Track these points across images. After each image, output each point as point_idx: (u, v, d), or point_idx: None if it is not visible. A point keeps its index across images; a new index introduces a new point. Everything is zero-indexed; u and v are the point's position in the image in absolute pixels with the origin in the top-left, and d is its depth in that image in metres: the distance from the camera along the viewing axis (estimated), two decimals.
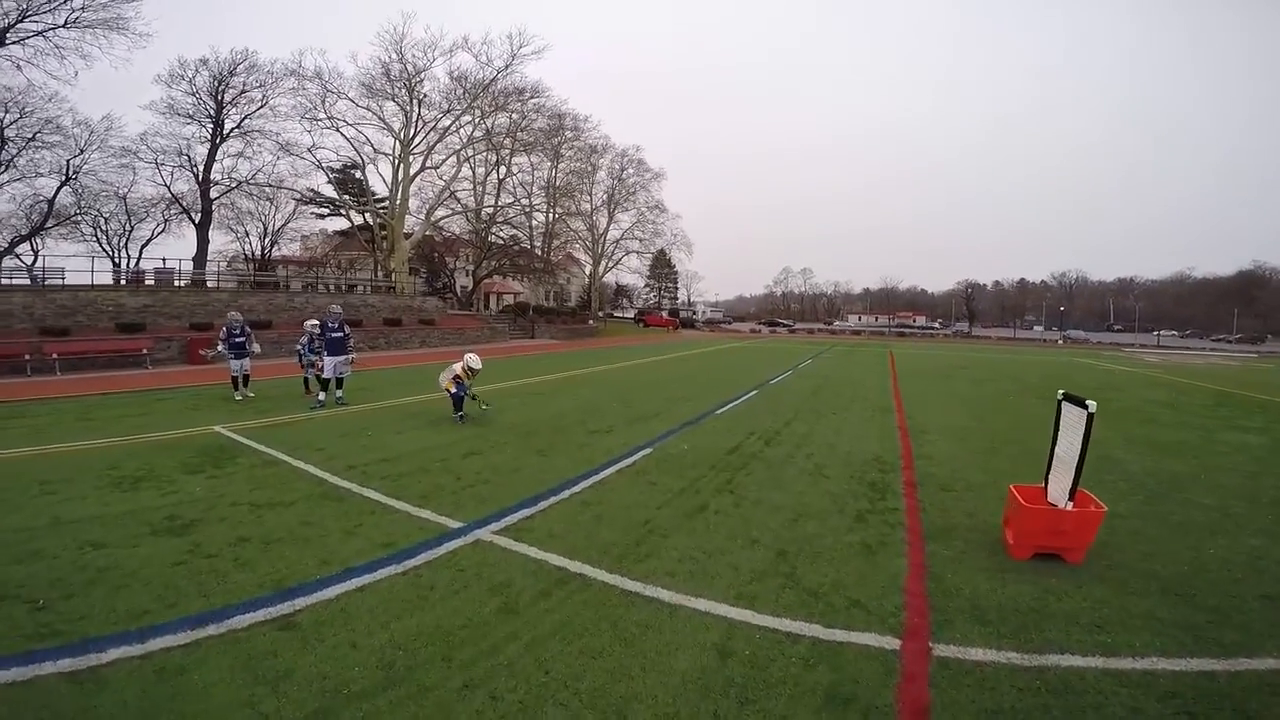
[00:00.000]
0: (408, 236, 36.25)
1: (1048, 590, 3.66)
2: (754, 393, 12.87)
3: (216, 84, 30.30)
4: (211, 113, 30.55)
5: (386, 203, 36.40)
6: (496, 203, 41.55)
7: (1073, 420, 4.21)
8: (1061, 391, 4.53)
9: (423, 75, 33.98)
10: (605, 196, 52.53)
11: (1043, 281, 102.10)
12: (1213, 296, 77.54)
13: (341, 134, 33.87)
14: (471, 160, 39.44)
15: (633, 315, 67.05)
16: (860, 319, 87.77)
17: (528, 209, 44.47)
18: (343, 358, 10.02)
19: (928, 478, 6.33)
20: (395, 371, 16.02)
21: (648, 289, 79.32)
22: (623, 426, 8.64)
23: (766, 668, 2.84)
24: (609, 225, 53.83)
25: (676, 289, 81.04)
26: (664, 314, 66.07)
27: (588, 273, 58.89)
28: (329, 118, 33.07)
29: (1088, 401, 3.97)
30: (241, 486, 5.49)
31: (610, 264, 56.75)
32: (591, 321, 46.77)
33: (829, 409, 10.91)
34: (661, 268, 71.71)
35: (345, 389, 10.30)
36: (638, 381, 14.64)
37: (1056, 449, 4.42)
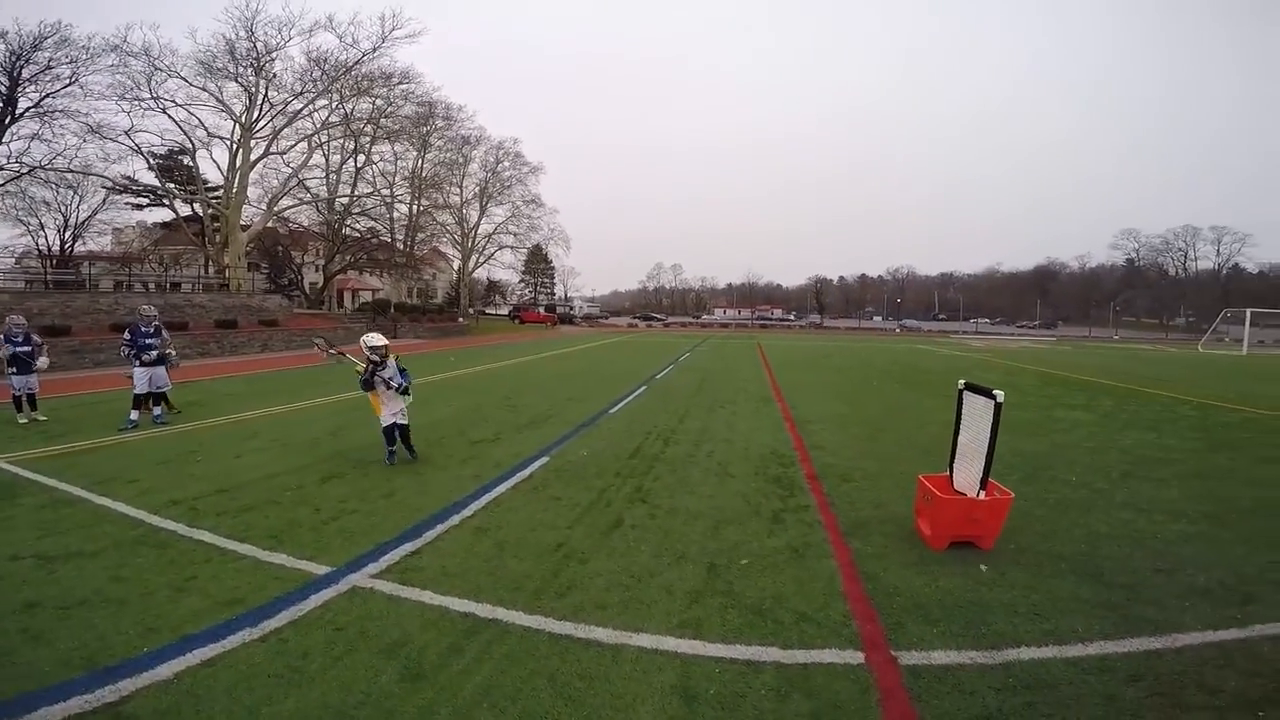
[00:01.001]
0: (246, 228, 31.94)
1: (977, 580, 3.66)
2: (643, 389, 12.66)
3: (14, 59, 24.58)
4: (3, 91, 24.78)
5: (221, 192, 31.82)
6: (353, 193, 38.01)
7: (978, 410, 4.31)
8: (963, 382, 4.65)
9: (274, 55, 29.92)
10: (478, 189, 50.27)
11: (879, 276, 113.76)
12: (1017, 289, 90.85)
13: (169, 116, 28.98)
14: (325, 147, 35.60)
15: (507, 312, 64.94)
16: (725, 312, 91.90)
17: (389, 200, 41.15)
18: (160, 368, 8.43)
19: (826, 469, 6.38)
20: (230, 381, 13.78)
21: (523, 285, 77.14)
22: (511, 434, 7.95)
23: (738, 707, 2.47)
24: (481, 219, 51.63)
25: (553, 285, 79.78)
26: (541, 310, 64.67)
27: (456, 268, 55.98)
28: (154, 98, 28.06)
29: (995, 391, 4.05)
30: (25, 534, 4.25)
31: (482, 259, 54.45)
32: (462, 319, 44.36)
33: (717, 402, 10.96)
34: (538, 263, 70.11)
35: (164, 405, 8.59)
36: (522, 382, 13.83)
37: (960, 438, 4.52)
